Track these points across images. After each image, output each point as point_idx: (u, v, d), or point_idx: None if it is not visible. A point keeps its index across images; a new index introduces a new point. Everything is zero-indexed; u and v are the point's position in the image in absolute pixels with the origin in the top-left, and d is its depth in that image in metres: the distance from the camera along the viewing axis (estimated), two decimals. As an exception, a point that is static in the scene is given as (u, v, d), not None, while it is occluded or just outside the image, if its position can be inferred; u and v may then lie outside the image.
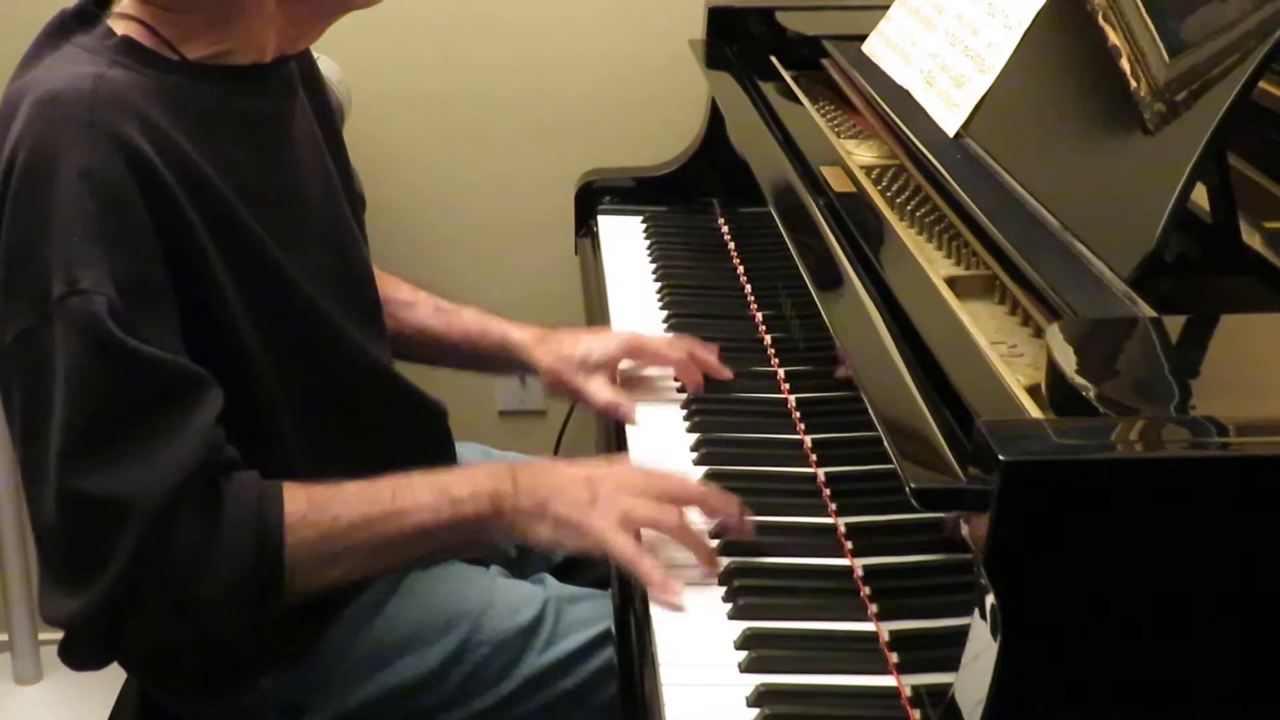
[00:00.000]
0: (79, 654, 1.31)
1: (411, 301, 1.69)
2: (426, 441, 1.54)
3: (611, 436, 1.56)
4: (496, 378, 2.46)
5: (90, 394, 1.21)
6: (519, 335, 1.68)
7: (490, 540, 1.42)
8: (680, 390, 1.62)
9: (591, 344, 1.64)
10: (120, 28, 1.31)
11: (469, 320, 1.71)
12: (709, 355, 1.63)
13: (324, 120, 1.53)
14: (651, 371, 1.67)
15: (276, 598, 1.28)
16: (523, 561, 1.68)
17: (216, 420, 1.26)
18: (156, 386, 1.23)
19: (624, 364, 1.67)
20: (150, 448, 1.22)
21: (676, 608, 1.24)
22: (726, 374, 1.62)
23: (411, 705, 1.47)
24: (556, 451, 2.12)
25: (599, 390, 1.61)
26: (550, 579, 1.56)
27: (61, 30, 1.32)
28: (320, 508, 1.29)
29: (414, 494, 1.32)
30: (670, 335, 1.70)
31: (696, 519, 1.34)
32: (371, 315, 1.53)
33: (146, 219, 1.23)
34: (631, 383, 1.66)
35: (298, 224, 1.41)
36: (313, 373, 1.40)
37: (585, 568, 1.68)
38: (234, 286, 1.30)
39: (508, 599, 1.51)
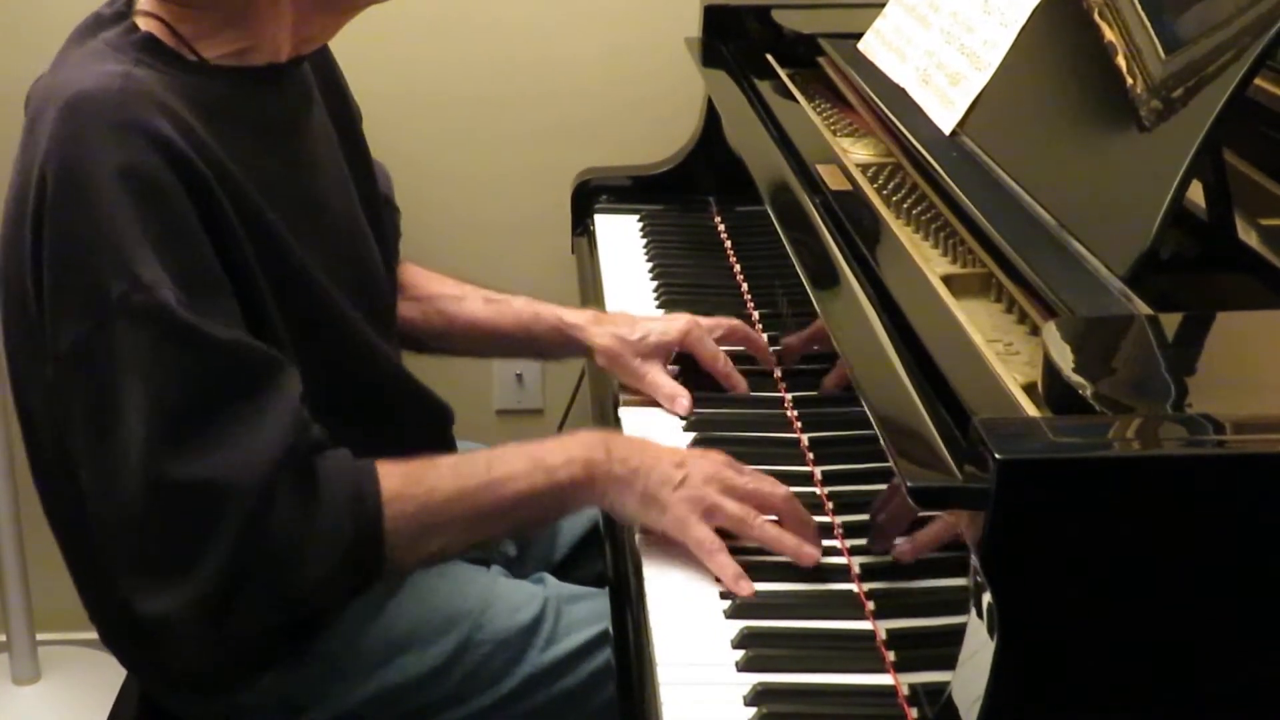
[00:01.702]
0: (184, 647, 1.30)
1: (460, 295, 1.70)
2: (435, 442, 1.53)
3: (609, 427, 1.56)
4: (494, 377, 2.47)
5: (174, 384, 1.21)
6: (574, 317, 1.68)
7: (581, 507, 1.41)
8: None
9: (651, 326, 1.64)
10: (143, 24, 1.32)
11: (520, 308, 1.71)
12: (759, 339, 1.63)
13: (342, 124, 1.54)
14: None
15: (378, 573, 1.29)
16: (523, 561, 1.68)
17: (300, 400, 1.27)
18: (237, 370, 1.23)
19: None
20: (240, 432, 1.22)
21: (749, 598, 1.25)
22: (743, 387, 1.61)
23: (412, 703, 1.47)
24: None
25: (660, 379, 1.60)
26: (550, 578, 1.56)
27: (94, 27, 1.34)
28: (416, 482, 1.30)
29: (508, 464, 1.33)
30: (722, 322, 1.66)
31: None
32: (385, 316, 1.54)
33: (190, 210, 1.23)
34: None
35: (314, 222, 1.42)
36: (331, 370, 1.40)
37: (585, 567, 1.69)
38: (267, 283, 1.31)
39: (508, 598, 1.51)
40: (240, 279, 1.28)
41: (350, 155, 1.54)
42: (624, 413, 1.59)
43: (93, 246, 1.21)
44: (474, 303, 1.71)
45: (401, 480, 1.30)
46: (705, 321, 1.64)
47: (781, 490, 1.32)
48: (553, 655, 1.47)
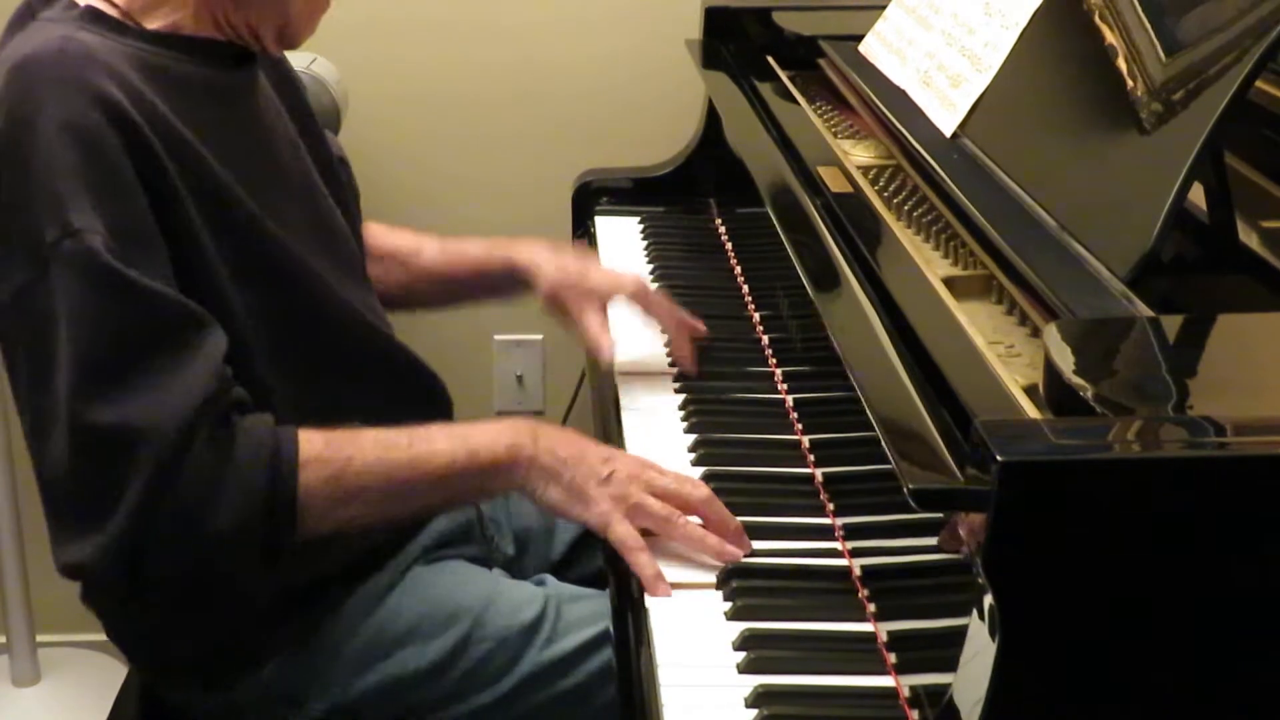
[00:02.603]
0: (98, 594, 1.32)
1: (417, 248, 1.72)
2: (424, 409, 1.50)
3: (610, 437, 1.56)
4: (494, 379, 2.47)
5: (96, 329, 1.22)
6: (523, 253, 1.71)
7: (501, 492, 1.43)
8: (677, 391, 1.62)
9: (601, 269, 1.70)
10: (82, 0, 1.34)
11: (473, 250, 1.74)
12: (695, 321, 1.67)
13: (285, 91, 1.56)
14: (650, 367, 1.67)
15: (289, 533, 1.29)
16: (521, 561, 1.68)
17: (224, 360, 1.28)
18: (161, 320, 1.25)
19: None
20: (159, 379, 1.23)
21: (664, 594, 1.27)
22: (702, 328, 1.66)
23: (411, 699, 1.47)
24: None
25: (590, 319, 1.63)
26: (551, 579, 1.57)
27: (27, 12, 1.36)
28: (336, 448, 1.31)
29: (431, 441, 1.34)
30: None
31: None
32: (355, 270, 1.55)
33: (129, 165, 1.25)
34: (630, 378, 1.65)
35: (270, 180, 1.43)
36: (294, 326, 1.40)
37: (585, 564, 1.69)
38: (212, 239, 1.32)
39: (510, 597, 1.52)
40: (182, 236, 1.29)
41: (298, 122, 1.56)
42: (625, 416, 1.59)
43: (32, 197, 1.23)
44: (430, 253, 1.74)
45: (323, 445, 1.30)
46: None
47: (703, 491, 1.34)
48: (553, 654, 1.47)
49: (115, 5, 1.35)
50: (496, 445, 1.35)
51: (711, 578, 1.29)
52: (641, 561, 1.29)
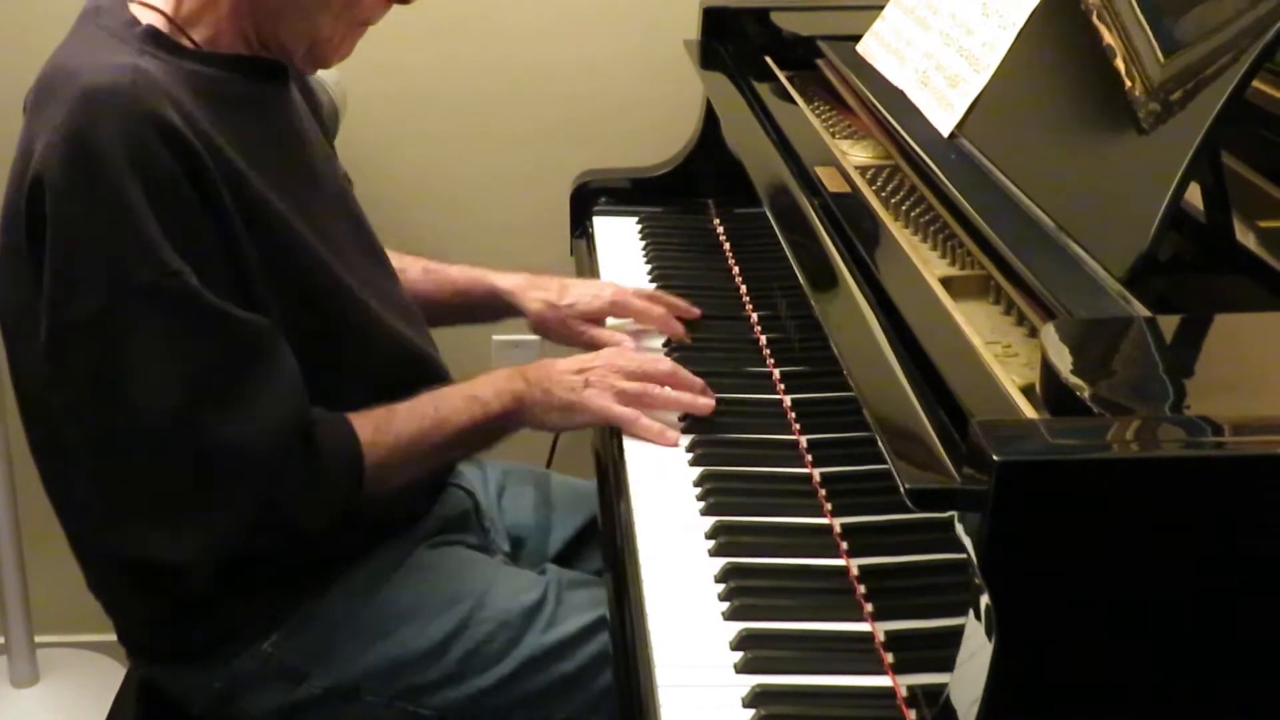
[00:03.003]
0: (190, 581, 1.42)
1: (401, 268, 1.74)
2: None
3: (609, 436, 1.56)
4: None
5: (196, 358, 1.32)
6: (507, 282, 1.81)
7: (514, 431, 1.56)
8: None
9: (580, 293, 1.78)
10: (144, 17, 1.38)
11: (456, 275, 1.83)
12: (677, 300, 1.77)
13: (308, 99, 1.60)
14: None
15: (352, 507, 1.43)
16: (518, 561, 1.69)
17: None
18: (249, 343, 1.35)
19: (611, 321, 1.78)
20: (257, 398, 1.35)
21: (673, 444, 1.50)
22: (695, 311, 1.77)
23: (411, 680, 1.48)
24: (552, 455, 2.12)
25: (598, 333, 1.75)
26: (553, 566, 1.60)
27: (94, 15, 1.40)
28: (384, 430, 1.45)
29: (450, 402, 1.50)
30: (647, 290, 1.81)
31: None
32: (391, 278, 1.62)
33: (194, 196, 1.32)
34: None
35: (309, 192, 1.49)
36: (318, 327, 1.45)
37: (586, 561, 1.70)
38: (256, 255, 1.38)
39: (512, 581, 1.55)
40: (233, 253, 1.36)
41: (323, 130, 1.62)
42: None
43: (106, 226, 1.28)
44: (413, 274, 1.79)
45: (373, 431, 1.44)
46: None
47: (667, 364, 1.56)
48: (553, 637, 1.49)
49: (168, 18, 1.39)
50: (503, 395, 1.51)
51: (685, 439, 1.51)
52: (645, 425, 1.51)
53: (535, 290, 1.79)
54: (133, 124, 1.28)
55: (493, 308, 1.83)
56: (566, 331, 1.77)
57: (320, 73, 1.59)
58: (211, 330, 1.33)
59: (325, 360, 1.44)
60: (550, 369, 1.54)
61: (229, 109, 1.39)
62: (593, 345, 1.72)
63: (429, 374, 1.57)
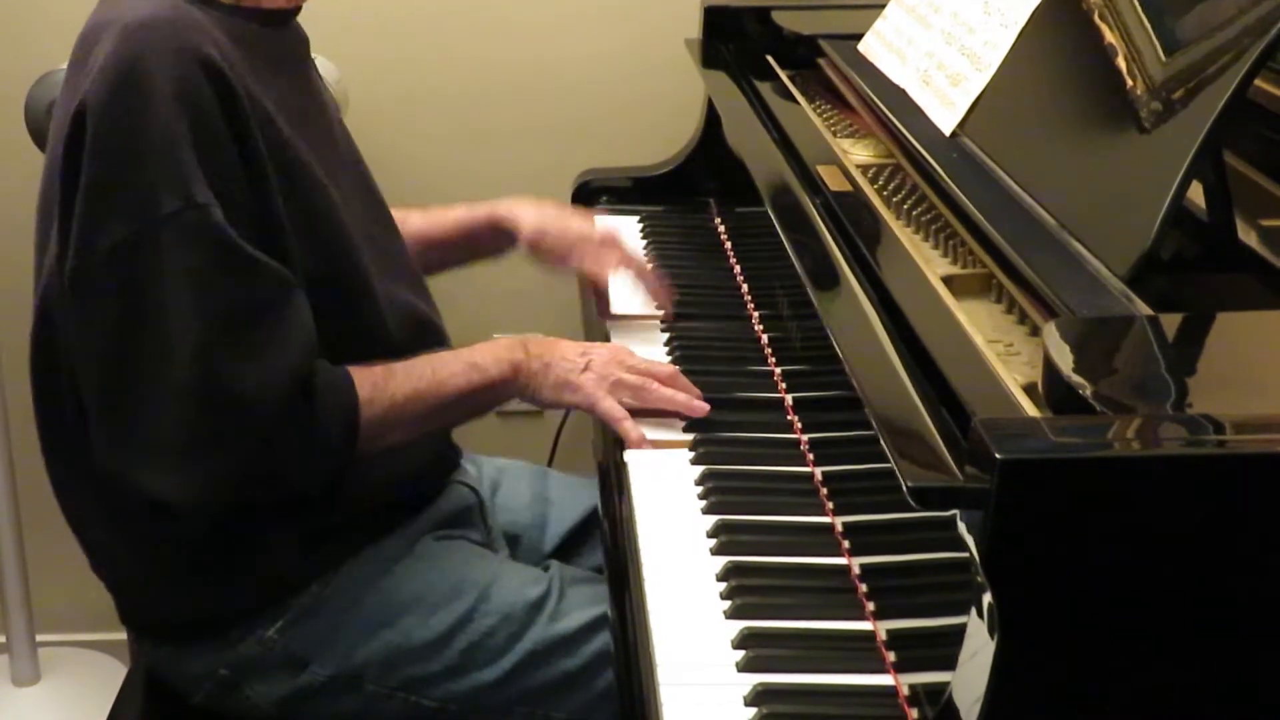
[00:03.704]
0: (186, 515, 1.40)
1: (402, 217, 1.75)
2: None
3: (609, 437, 1.56)
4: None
5: (216, 295, 1.32)
6: (504, 207, 1.82)
7: (509, 399, 1.57)
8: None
9: (577, 214, 1.84)
10: None
11: (455, 212, 1.84)
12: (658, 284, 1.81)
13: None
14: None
15: (347, 464, 1.44)
16: (516, 559, 1.69)
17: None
18: (266, 286, 1.36)
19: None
20: (269, 343, 1.35)
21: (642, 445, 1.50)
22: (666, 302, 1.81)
23: (413, 671, 1.49)
24: (553, 454, 2.12)
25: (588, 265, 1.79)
26: (556, 562, 1.61)
27: None
28: (381, 389, 1.44)
29: (448, 366, 1.51)
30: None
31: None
32: (398, 240, 1.65)
33: (228, 132, 1.33)
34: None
35: (329, 149, 1.52)
36: (330, 282, 1.46)
37: (583, 553, 1.71)
38: (283, 200, 1.39)
39: (516, 575, 1.56)
40: (261, 196, 1.37)
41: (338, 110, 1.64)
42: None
43: (146, 155, 1.29)
44: (414, 220, 1.81)
45: (371, 389, 1.43)
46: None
47: (669, 368, 1.57)
48: (555, 632, 1.50)
49: None
50: (501, 363, 1.52)
51: (684, 437, 1.51)
52: (626, 428, 1.50)
53: (536, 208, 1.81)
54: (179, 57, 1.30)
55: (493, 234, 1.83)
56: (560, 251, 1.79)
57: (321, 71, 1.60)
58: (237, 271, 1.33)
59: (331, 316, 1.44)
60: (553, 345, 1.56)
61: (261, 61, 1.41)
62: (579, 262, 1.77)
63: (431, 338, 1.59)
